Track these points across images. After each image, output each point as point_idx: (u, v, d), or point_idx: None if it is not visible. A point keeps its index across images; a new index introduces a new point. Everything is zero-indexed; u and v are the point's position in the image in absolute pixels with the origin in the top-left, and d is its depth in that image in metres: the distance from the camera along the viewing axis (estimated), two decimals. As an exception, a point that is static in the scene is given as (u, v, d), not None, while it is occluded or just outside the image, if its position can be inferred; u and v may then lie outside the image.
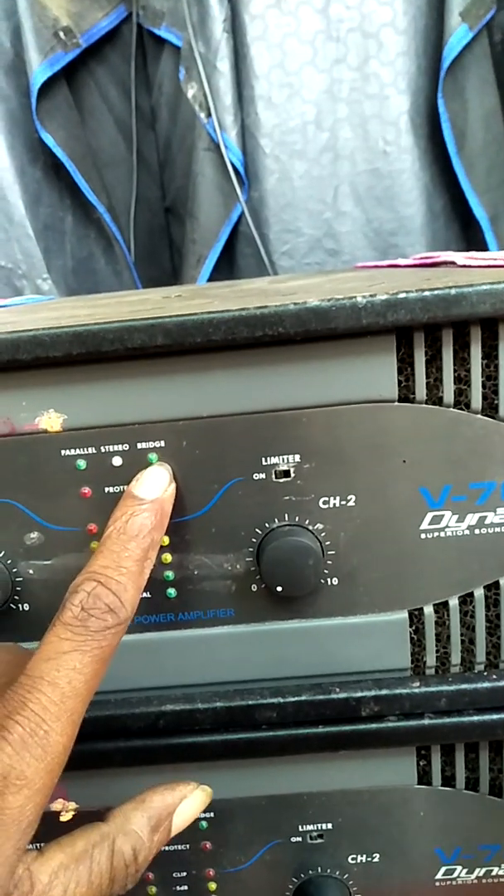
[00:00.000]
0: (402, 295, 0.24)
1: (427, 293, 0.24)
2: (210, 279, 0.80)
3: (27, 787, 0.20)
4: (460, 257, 0.39)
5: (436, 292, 0.24)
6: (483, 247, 0.78)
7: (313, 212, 0.80)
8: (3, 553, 0.27)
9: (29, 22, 0.72)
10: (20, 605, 0.27)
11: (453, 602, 0.28)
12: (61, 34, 0.74)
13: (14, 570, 0.27)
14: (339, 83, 0.77)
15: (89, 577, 0.22)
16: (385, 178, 0.78)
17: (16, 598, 0.27)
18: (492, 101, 0.77)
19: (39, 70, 0.72)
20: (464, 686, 0.28)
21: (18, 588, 0.27)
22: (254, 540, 0.27)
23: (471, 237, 0.80)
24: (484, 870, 0.31)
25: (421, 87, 0.76)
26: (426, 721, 0.28)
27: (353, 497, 0.27)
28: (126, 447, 0.26)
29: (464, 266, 0.37)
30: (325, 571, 0.27)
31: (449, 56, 0.73)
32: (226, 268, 0.82)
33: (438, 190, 0.79)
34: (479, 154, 0.77)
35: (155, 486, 0.24)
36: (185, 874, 0.31)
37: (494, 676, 0.28)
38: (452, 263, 0.39)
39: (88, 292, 0.78)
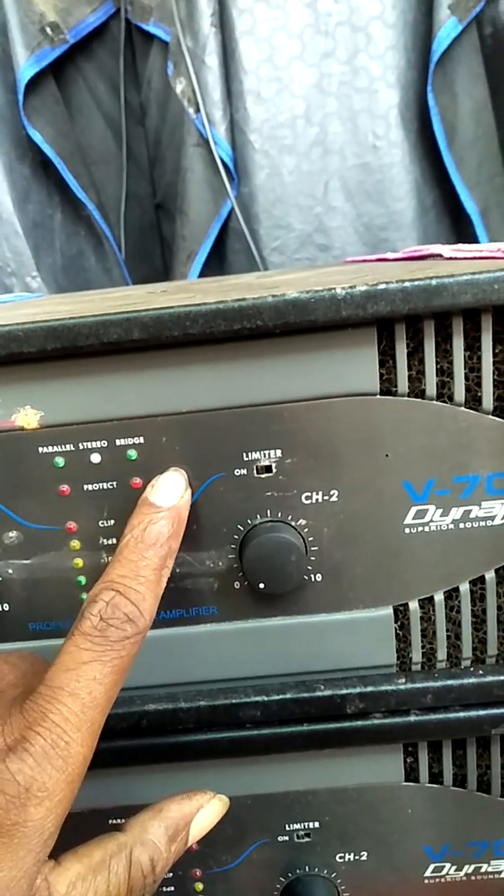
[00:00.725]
0: (382, 286, 0.23)
1: (408, 284, 0.23)
2: (201, 275, 0.80)
3: (48, 799, 0.19)
4: (447, 250, 0.39)
5: (416, 283, 0.23)
6: (474, 240, 0.77)
7: (303, 207, 0.79)
8: (-19, 552, 0.27)
9: (15, 17, 0.71)
10: None
11: (439, 597, 0.27)
12: (48, 30, 0.74)
13: (-7, 569, 0.27)
14: (328, 77, 0.76)
15: (107, 587, 0.22)
16: (375, 173, 0.78)
17: (-5, 597, 0.27)
18: (482, 94, 0.76)
19: (26, 66, 0.71)
20: (450, 682, 0.27)
21: (-2, 588, 0.27)
22: (236, 536, 0.27)
23: (462, 231, 0.80)
24: (473, 867, 0.30)
25: (410, 81, 0.76)
26: (412, 718, 0.28)
27: (335, 492, 0.26)
28: (105, 444, 0.26)
29: (450, 258, 0.37)
30: (309, 568, 0.27)
31: (438, 49, 0.72)
32: (216, 264, 0.82)
33: (429, 184, 0.79)
34: (470, 147, 0.76)
35: (171, 492, 0.24)
36: (171, 875, 0.30)
37: (481, 672, 0.28)
38: (439, 256, 0.39)
39: (78, 290, 0.77)
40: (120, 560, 0.22)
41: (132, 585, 0.22)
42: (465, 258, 0.34)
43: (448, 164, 0.75)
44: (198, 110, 0.76)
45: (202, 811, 0.24)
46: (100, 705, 0.21)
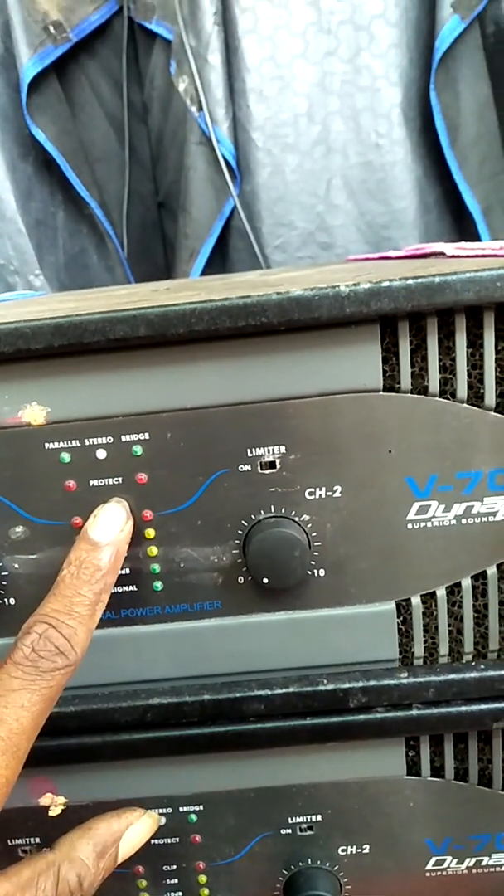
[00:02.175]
0: (386, 283, 0.24)
1: (411, 281, 0.24)
2: (203, 274, 0.80)
3: None
4: (450, 248, 0.39)
5: (419, 280, 0.24)
6: (476, 239, 0.77)
7: (306, 205, 0.79)
8: (-12, 547, 0.27)
9: (18, 16, 0.71)
10: (5, 600, 0.27)
11: (441, 592, 0.27)
12: (51, 28, 0.74)
13: (-1, 564, 0.27)
14: (330, 76, 0.76)
15: (41, 620, 0.23)
16: (377, 171, 0.78)
17: (1, 592, 0.27)
18: (484, 92, 0.76)
19: (29, 65, 0.71)
20: (452, 676, 0.28)
21: (4, 583, 0.27)
22: (240, 532, 0.27)
23: (464, 229, 0.80)
24: (474, 860, 0.31)
25: (413, 80, 0.76)
26: (414, 711, 0.28)
27: (339, 488, 0.26)
28: (110, 440, 0.26)
29: (453, 256, 0.37)
30: (312, 563, 0.27)
31: (441, 48, 0.72)
32: (218, 262, 0.82)
33: (431, 182, 0.79)
34: (472, 146, 0.76)
35: (110, 527, 0.25)
36: (174, 867, 0.31)
37: (482, 666, 0.28)
38: (442, 254, 0.39)
39: (81, 288, 0.77)
40: (55, 594, 0.23)
41: (65, 620, 0.23)
42: (468, 256, 0.35)
43: (450, 162, 0.75)
44: (200, 108, 0.76)
45: (131, 828, 0.26)
46: (26, 731, 0.21)
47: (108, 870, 0.24)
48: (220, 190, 0.78)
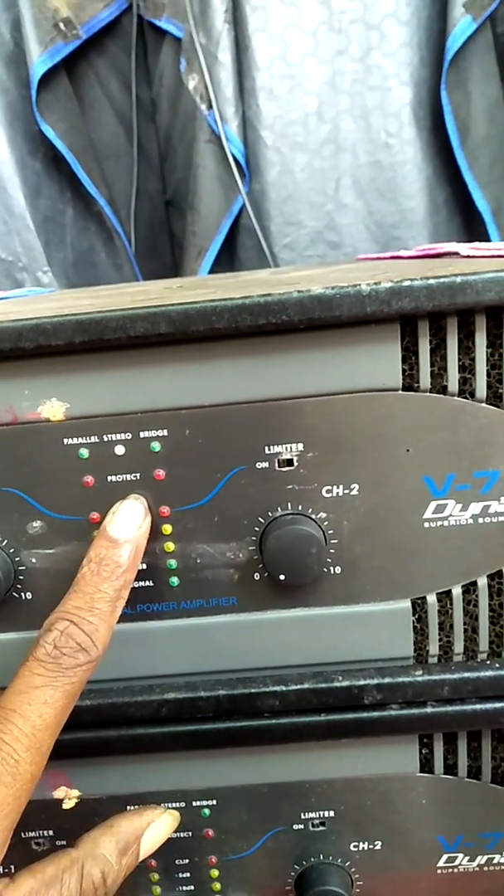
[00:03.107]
0: (407, 283, 0.24)
1: (432, 281, 0.24)
2: (211, 272, 0.80)
3: None
4: (464, 248, 0.39)
5: (441, 280, 0.24)
6: (485, 239, 0.77)
7: (315, 204, 0.79)
8: (5, 542, 0.27)
9: (29, 13, 0.71)
10: (23, 594, 0.27)
11: (456, 591, 0.28)
12: (61, 25, 0.74)
13: (17, 558, 0.27)
14: (340, 74, 0.76)
15: (62, 617, 0.23)
16: (387, 171, 0.78)
17: (18, 586, 0.27)
18: (495, 93, 0.76)
19: (39, 61, 0.72)
20: (466, 674, 0.28)
21: (21, 577, 0.27)
22: (256, 528, 0.27)
23: (473, 229, 0.80)
24: (486, 857, 0.31)
25: (424, 79, 0.76)
26: (428, 709, 0.28)
27: (356, 486, 0.26)
28: (129, 436, 0.26)
29: (467, 256, 0.37)
30: (328, 560, 0.27)
31: (452, 47, 0.72)
32: (226, 260, 0.82)
33: (441, 182, 0.79)
34: (483, 146, 0.76)
35: (129, 524, 0.25)
36: (187, 861, 0.31)
37: (497, 665, 0.28)
38: (456, 254, 0.39)
39: (89, 285, 0.77)
40: (76, 591, 0.24)
41: (87, 617, 0.23)
42: (483, 257, 0.35)
43: (460, 162, 0.75)
44: (210, 106, 0.76)
45: (152, 826, 0.26)
46: (49, 727, 0.22)
47: (131, 867, 0.25)
48: (228, 188, 0.78)
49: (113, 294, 0.41)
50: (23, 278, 0.76)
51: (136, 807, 0.30)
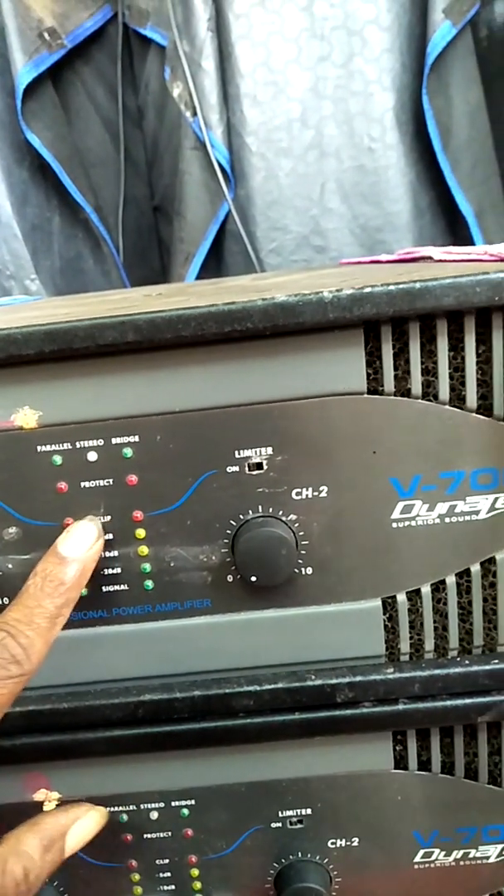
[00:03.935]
0: (368, 289, 0.24)
1: (392, 287, 0.24)
2: (198, 277, 0.81)
3: None
4: (437, 252, 0.39)
5: (400, 286, 0.24)
6: (469, 242, 0.78)
7: (300, 209, 0.80)
8: (-18, 548, 0.27)
9: (13, 23, 0.72)
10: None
11: (426, 589, 0.28)
12: (46, 35, 0.75)
13: (-6, 564, 0.28)
14: (323, 80, 0.77)
15: (1, 628, 0.23)
16: (371, 175, 0.78)
17: (-4, 591, 0.28)
18: (476, 97, 0.77)
19: (24, 71, 0.72)
20: (437, 672, 0.28)
21: (-2, 582, 0.28)
22: (228, 531, 0.27)
23: (457, 232, 0.81)
24: (461, 852, 0.31)
25: (406, 84, 0.76)
26: (400, 706, 0.29)
27: (325, 488, 0.27)
28: (101, 442, 0.27)
29: (440, 261, 0.37)
30: (299, 561, 0.28)
31: (433, 53, 0.73)
32: (214, 266, 0.83)
33: (424, 186, 0.80)
34: (464, 150, 0.77)
35: (80, 544, 0.25)
36: (167, 861, 0.31)
37: (467, 662, 0.28)
38: (430, 258, 0.40)
39: (77, 292, 0.78)
40: (18, 603, 0.24)
41: (24, 630, 0.23)
42: (454, 260, 0.35)
43: (443, 166, 0.76)
44: (194, 114, 0.77)
45: (78, 823, 0.26)
46: None
47: (55, 863, 0.25)
48: (214, 194, 0.78)
49: (93, 302, 0.42)
50: (10, 286, 0.77)
51: (113, 808, 0.30)
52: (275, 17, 0.76)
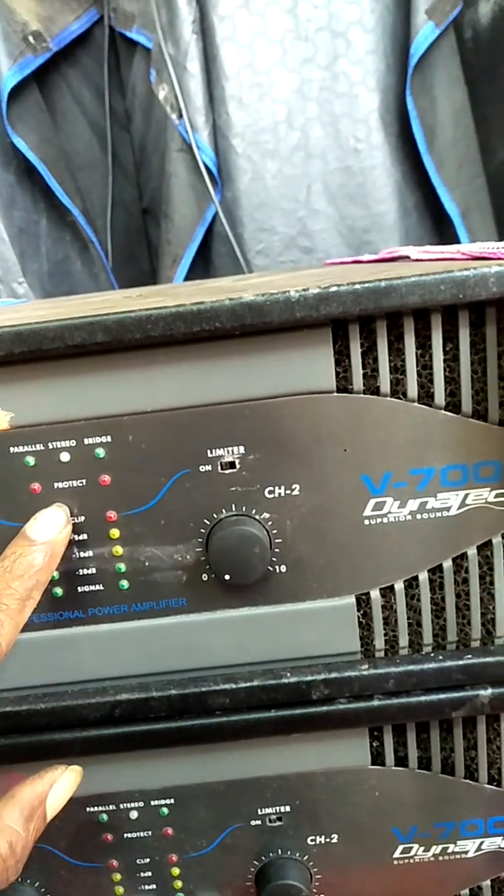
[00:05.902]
0: (334, 288, 0.24)
1: (358, 286, 0.24)
2: (187, 279, 0.81)
3: None
4: (414, 251, 0.40)
5: (367, 285, 0.24)
6: (455, 241, 0.79)
7: (287, 210, 0.80)
8: (-43, 549, 0.28)
9: (-3, 27, 0.72)
10: (-24, 600, 0.28)
11: (399, 586, 0.28)
12: (31, 38, 0.75)
13: (-31, 565, 0.28)
14: (308, 82, 0.78)
15: None
16: (357, 176, 0.79)
17: (-29, 593, 0.28)
18: (460, 97, 0.78)
19: (9, 74, 0.72)
20: (411, 667, 0.28)
21: (-26, 583, 0.28)
22: (202, 530, 0.28)
23: (444, 232, 0.81)
24: (440, 847, 0.31)
25: (390, 85, 0.77)
26: (375, 702, 0.29)
27: (297, 486, 0.27)
28: (73, 443, 0.27)
29: (417, 260, 0.38)
30: (273, 559, 0.28)
31: (416, 54, 0.73)
32: (202, 268, 0.83)
33: (410, 186, 0.80)
34: (449, 150, 0.78)
35: (49, 527, 0.25)
36: (148, 860, 0.31)
37: (441, 657, 0.29)
38: (407, 258, 0.40)
39: (65, 294, 0.78)
40: None
41: None
42: (430, 259, 0.36)
43: (428, 166, 0.76)
44: (180, 116, 0.77)
45: (55, 786, 0.25)
46: None
47: (39, 831, 0.25)
48: (201, 196, 0.79)
49: (75, 304, 0.42)
50: (-2, 289, 0.77)
51: (93, 808, 0.30)
52: (259, 20, 0.76)
